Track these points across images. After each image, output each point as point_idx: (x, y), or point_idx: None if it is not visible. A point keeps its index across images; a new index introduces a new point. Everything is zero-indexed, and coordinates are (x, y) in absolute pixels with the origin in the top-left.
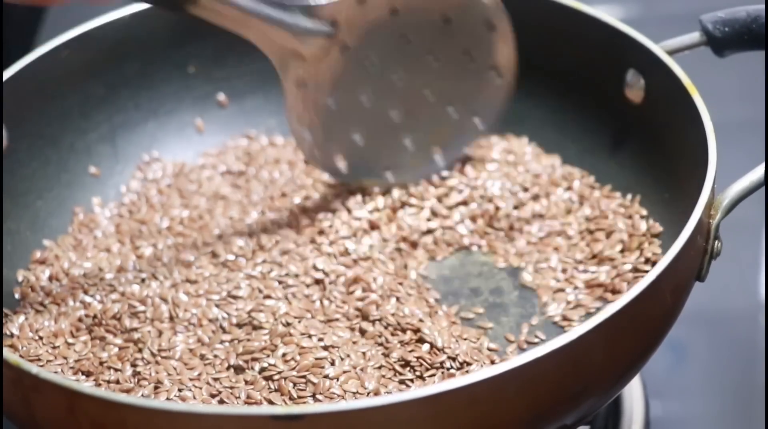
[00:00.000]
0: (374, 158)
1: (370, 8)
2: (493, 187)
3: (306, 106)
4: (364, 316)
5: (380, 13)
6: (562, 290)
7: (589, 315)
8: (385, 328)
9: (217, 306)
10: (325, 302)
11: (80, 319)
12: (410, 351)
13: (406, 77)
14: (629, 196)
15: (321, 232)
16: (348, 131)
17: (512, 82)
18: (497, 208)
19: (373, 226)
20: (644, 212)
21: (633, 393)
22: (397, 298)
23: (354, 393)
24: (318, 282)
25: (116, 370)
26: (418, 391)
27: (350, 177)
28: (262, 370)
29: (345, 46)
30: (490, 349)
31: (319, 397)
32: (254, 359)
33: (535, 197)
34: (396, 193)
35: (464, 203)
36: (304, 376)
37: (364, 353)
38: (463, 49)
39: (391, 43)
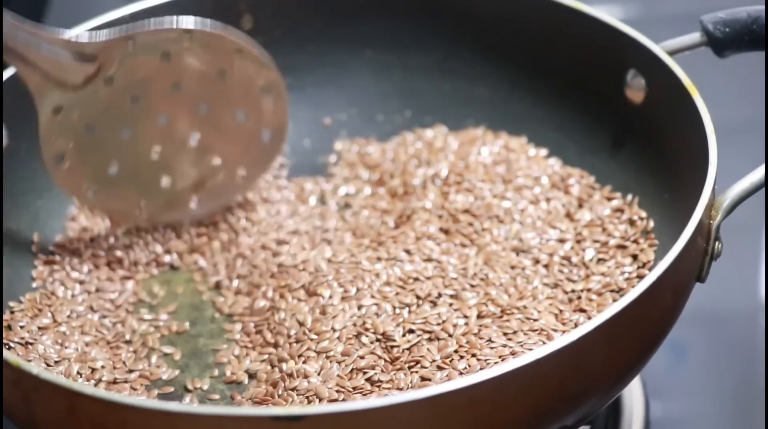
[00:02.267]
0: (127, 191)
1: (139, 50)
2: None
3: (61, 131)
4: None
5: (150, 56)
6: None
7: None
8: None
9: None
10: None
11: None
12: None
13: (173, 120)
14: (629, 197)
15: None
16: (103, 161)
17: (281, 146)
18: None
19: None
20: (643, 214)
21: (633, 393)
22: None
23: None
24: None
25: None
26: (418, 392)
27: (98, 204)
28: None
29: (109, 79)
30: None
31: None
32: None
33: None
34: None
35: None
36: None
37: None
38: (237, 104)
39: (160, 85)
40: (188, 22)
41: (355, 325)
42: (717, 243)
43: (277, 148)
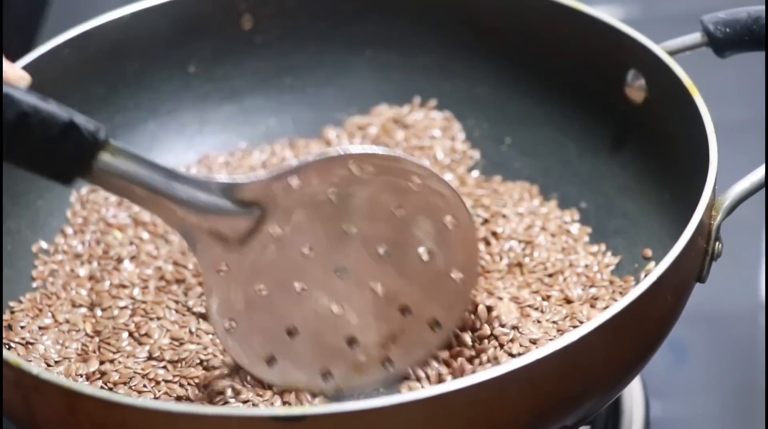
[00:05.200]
0: (308, 358)
1: (306, 192)
2: None
3: (228, 292)
4: None
5: (318, 198)
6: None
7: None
8: None
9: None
10: None
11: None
12: None
13: (351, 269)
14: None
15: None
16: (277, 325)
17: (474, 285)
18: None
19: None
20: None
21: (633, 393)
22: None
23: None
24: None
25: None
26: (418, 392)
27: (278, 377)
28: None
29: (274, 229)
30: None
31: None
32: None
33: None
34: None
35: None
36: None
37: None
38: (419, 241)
39: (332, 229)
40: (354, 148)
41: None
42: (717, 243)
43: (471, 285)
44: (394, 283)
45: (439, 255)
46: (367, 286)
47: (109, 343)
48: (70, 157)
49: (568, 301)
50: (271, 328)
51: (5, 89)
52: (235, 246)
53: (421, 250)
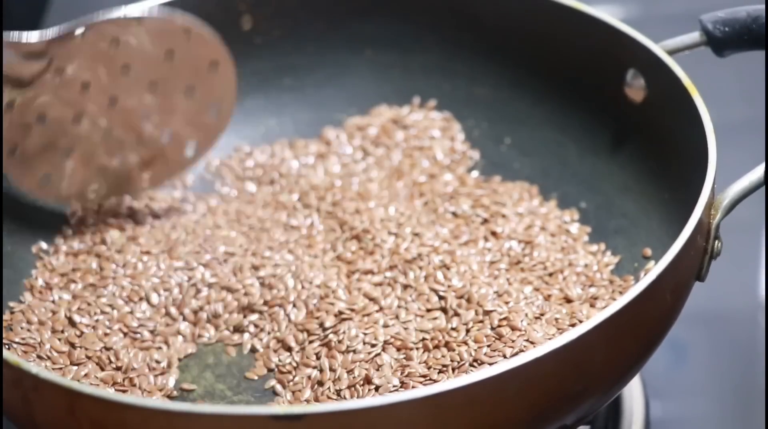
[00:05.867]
0: (79, 175)
1: (88, 40)
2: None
3: (14, 125)
4: None
5: (99, 44)
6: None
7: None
8: None
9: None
10: None
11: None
12: None
13: (123, 102)
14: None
15: None
16: (55, 148)
17: (227, 122)
18: None
19: None
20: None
21: (633, 393)
22: None
23: None
24: None
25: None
26: (418, 391)
27: (50, 191)
28: None
29: (59, 70)
30: None
31: None
32: None
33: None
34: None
35: None
36: None
37: None
38: (185, 82)
39: (109, 70)
40: (135, 10)
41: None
42: (717, 242)
43: (223, 125)
44: (159, 114)
45: (200, 94)
46: (136, 117)
47: None
48: None
49: (568, 301)
50: (50, 151)
51: None
52: (23, 85)
53: (186, 88)
